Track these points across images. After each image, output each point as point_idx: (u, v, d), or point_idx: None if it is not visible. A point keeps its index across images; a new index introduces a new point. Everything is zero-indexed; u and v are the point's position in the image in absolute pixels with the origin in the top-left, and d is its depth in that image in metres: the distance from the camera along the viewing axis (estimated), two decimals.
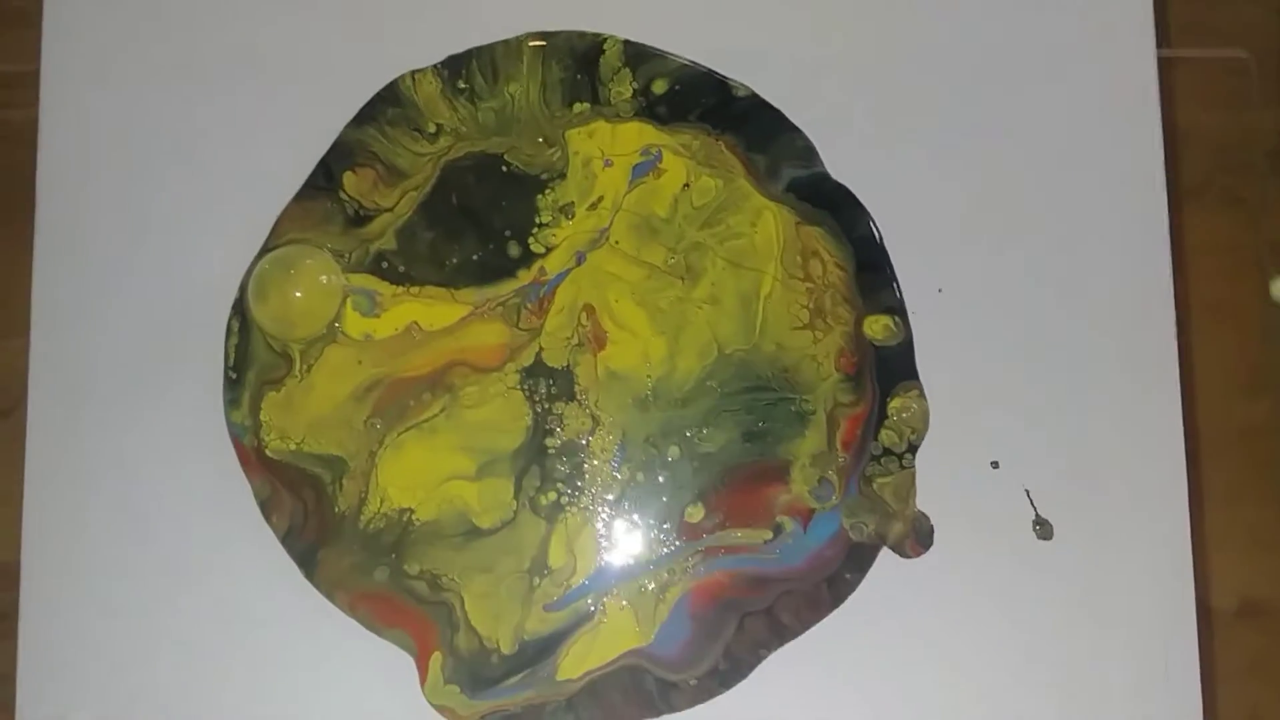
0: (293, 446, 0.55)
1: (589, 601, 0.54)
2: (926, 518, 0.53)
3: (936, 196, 0.55)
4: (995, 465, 0.53)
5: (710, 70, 0.57)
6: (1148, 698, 0.51)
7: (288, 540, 0.55)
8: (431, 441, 0.56)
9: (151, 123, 0.57)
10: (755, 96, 0.57)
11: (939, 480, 0.53)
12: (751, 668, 0.54)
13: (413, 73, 0.58)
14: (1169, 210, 0.55)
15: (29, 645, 0.53)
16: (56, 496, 0.54)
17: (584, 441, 0.56)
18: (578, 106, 0.58)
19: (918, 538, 0.53)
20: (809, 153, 0.57)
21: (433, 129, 0.58)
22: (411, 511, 0.55)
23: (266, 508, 0.55)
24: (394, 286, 0.57)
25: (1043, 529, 0.52)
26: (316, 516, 0.55)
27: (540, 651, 0.54)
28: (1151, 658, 0.51)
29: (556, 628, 0.54)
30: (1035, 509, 0.52)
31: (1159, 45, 0.57)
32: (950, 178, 0.55)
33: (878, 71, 0.56)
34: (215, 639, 0.54)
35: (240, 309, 0.56)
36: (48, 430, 0.54)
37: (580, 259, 0.57)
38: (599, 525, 0.55)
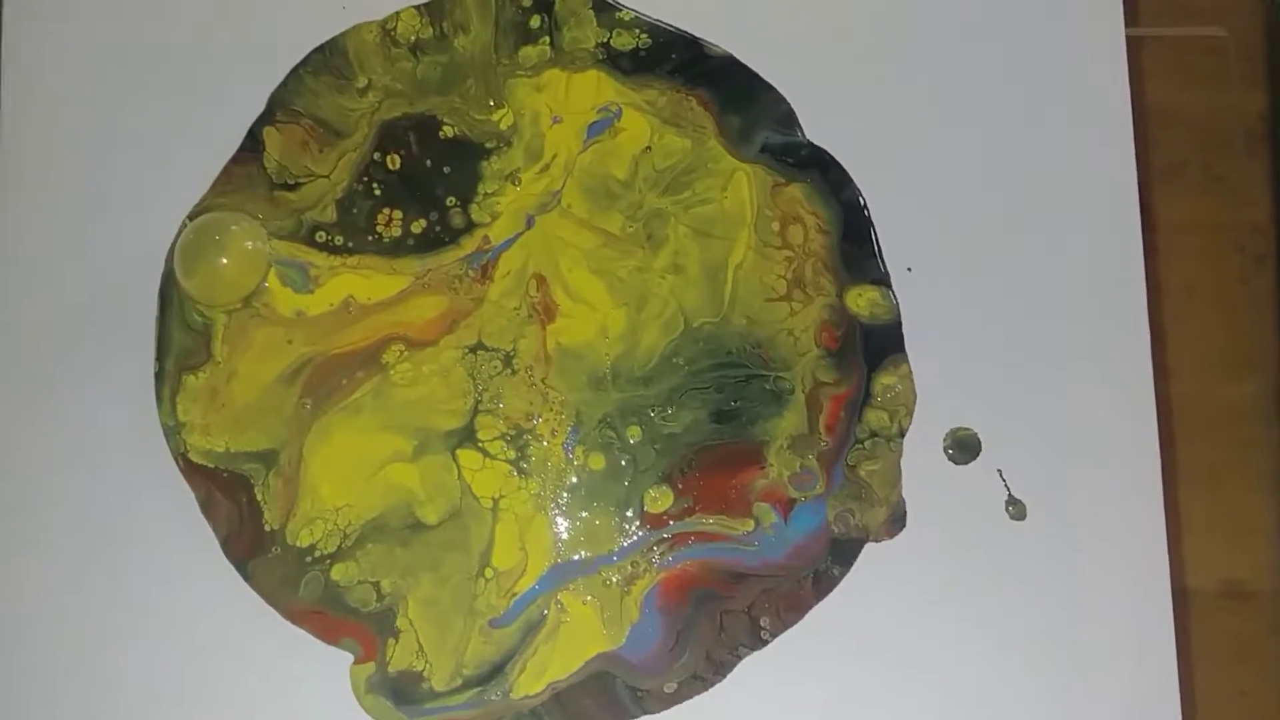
0: (220, 448, 0.51)
1: (540, 607, 0.50)
2: (903, 500, 0.51)
3: (905, 177, 0.53)
4: (954, 454, 0.51)
5: (682, 32, 0.54)
6: (1124, 679, 0.50)
7: (226, 547, 0.50)
8: (360, 422, 0.51)
9: (93, 99, 0.54)
10: (732, 57, 0.53)
11: (908, 461, 0.51)
12: (731, 668, 0.50)
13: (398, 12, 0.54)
14: (1146, 190, 0.53)
15: None
16: (17, 500, 0.51)
17: (533, 423, 0.51)
18: (531, 50, 0.54)
19: (892, 521, 0.50)
20: (789, 118, 0.53)
21: (362, 83, 0.53)
22: (349, 509, 0.50)
23: (205, 510, 0.51)
24: (330, 258, 0.52)
25: (1016, 509, 0.50)
26: (251, 525, 0.50)
27: (489, 672, 0.49)
28: (1128, 639, 0.50)
29: (505, 647, 0.49)
30: (1008, 489, 0.51)
31: (1133, 23, 0.56)
32: (919, 158, 0.53)
33: (842, 47, 0.54)
34: (160, 649, 0.51)
35: (163, 289, 0.52)
36: (9, 436, 0.52)
37: (530, 222, 0.53)
38: (552, 513, 0.50)
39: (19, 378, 0.52)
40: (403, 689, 0.49)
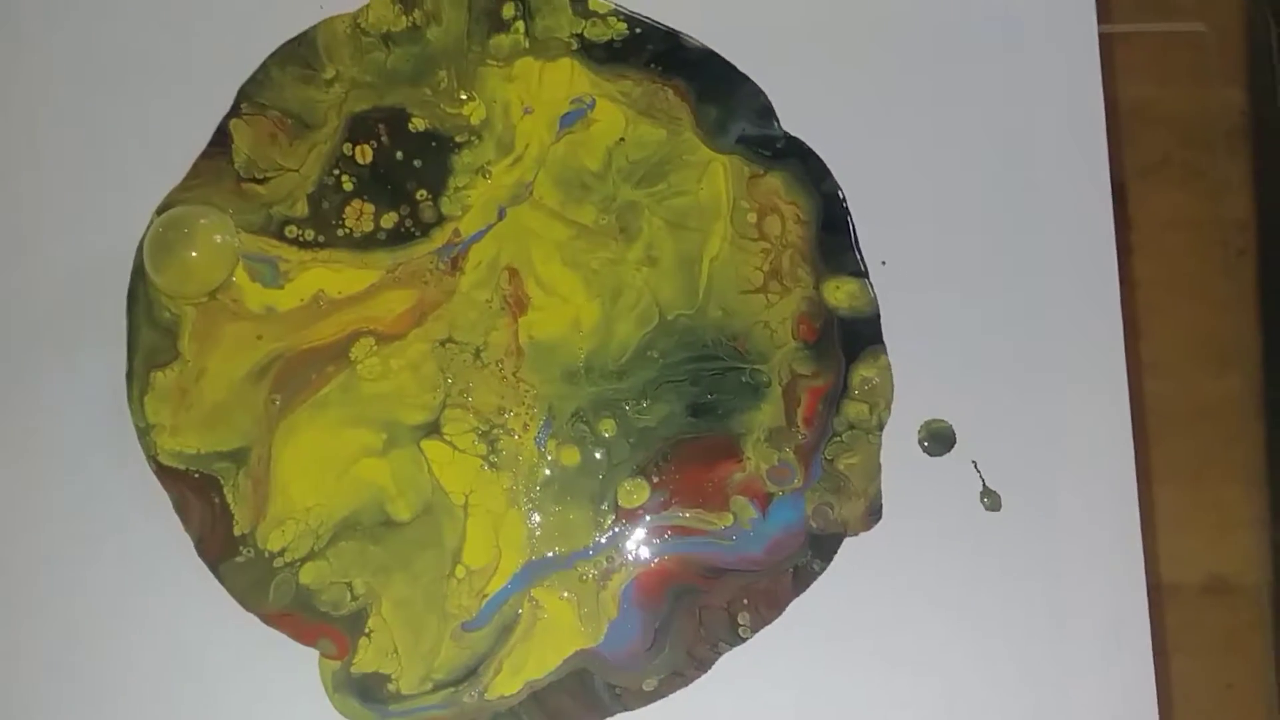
0: (190, 449, 0.49)
1: (514, 606, 0.48)
2: (880, 493, 0.50)
3: (879, 171, 0.53)
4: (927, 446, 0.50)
5: (660, 24, 0.53)
6: (1101, 671, 0.49)
7: (199, 548, 0.49)
8: (329, 418, 0.50)
9: (96, 117, 0.54)
10: (709, 50, 0.52)
11: (883, 453, 0.51)
12: (710, 664, 0.49)
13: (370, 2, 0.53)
14: (1127, 186, 0.53)
15: None
16: (4, 501, 0.51)
17: (504, 417, 0.50)
18: (503, 38, 0.53)
19: (869, 514, 0.50)
20: (766, 111, 0.52)
21: (330, 74, 0.52)
22: (320, 508, 0.49)
23: (179, 511, 0.50)
24: (300, 252, 0.51)
25: (991, 500, 0.50)
26: (222, 527, 0.49)
27: (463, 674, 0.48)
28: (1104, 631, 0.49)
29: (479, 650, 0.48)
30: (983, 480, 0.50)
31: (1108, 19, 0.56)
32: (893, 153, 0.53)
33: (815, 42, 0.54)
34: (137, 649, 0.50)
35: (132, 286, 0.51)
36: None
37: (501, 214, 0.52)
38: (526, 508, 0.49)
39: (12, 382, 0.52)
40: (368, 689, 0.48)
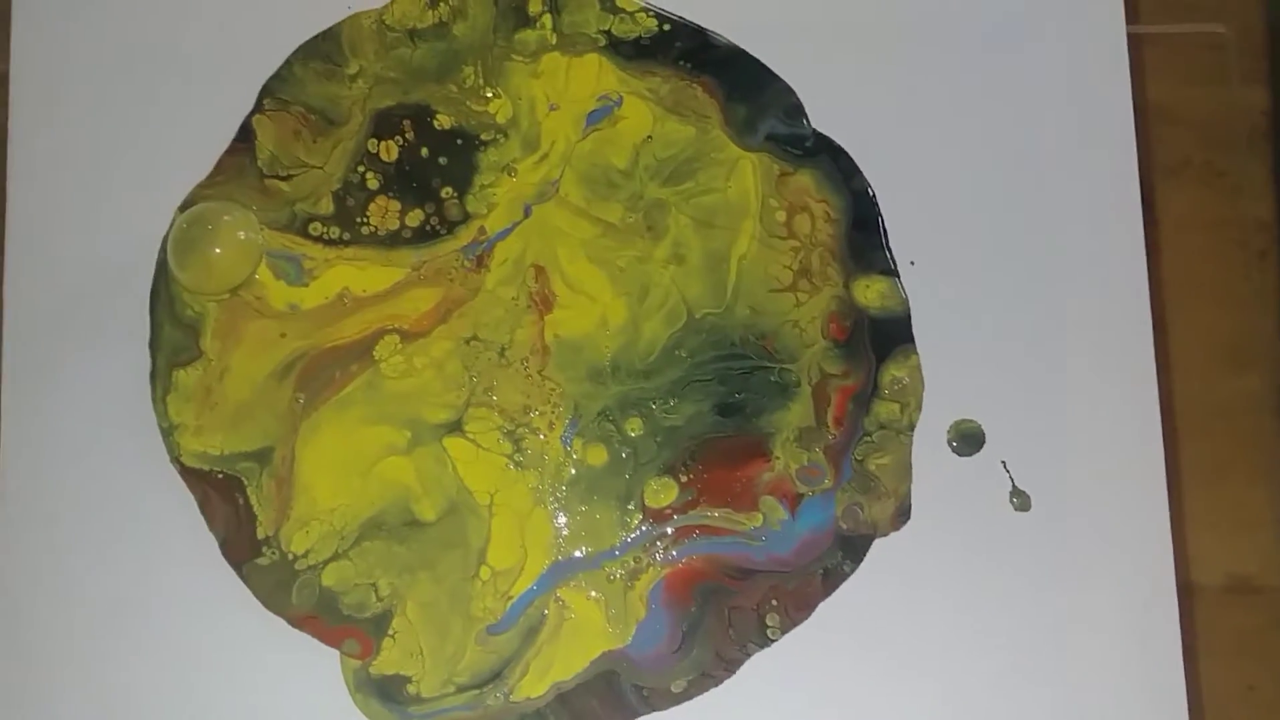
0: (214, 450, 0.49)
1: (540, 608, 0.48)
2: (910, 493, 0.50)
3: (908, 172, 0.52)
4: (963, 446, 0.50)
5: (689, 22, 0.52)
6: (1131, 673, 0.49)
7: (224, 549, 0.49)
8: (353, 416, 0.49)
9: (121, 114, 0.53)
10: (737, 47, 0.52)
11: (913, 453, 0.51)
12: (739, 665, 0.48)
13: None
14: (1149, 187, 0.53)
15: (3, 648, 0.50)
16: (31, 500, 0.50)
17: (529, 416, 0.50)
18: (530, 33, 0.52)
19: (898, 514, 0.49)
20: (796, 111, 0.52)
21: (353, 69, 0.52)
22: (345, 509, 0.49)
23: (204, 511, 0.49)
24: (325, 250, 0.51)
25: (1020, 501, 0.50)
26: (247, 529, 0.49)
27: (487, 677, 0.48)
28: (1134, 632, 0.49)
29: (504, 653, 0.48)
30: (1013, 480, 0.50)
31: (1134, 20, 0.55)
32: (923, 154, 0.53)
33: (845, 43, 0.53)
34: (162, 648, 0.49)
35: (155, 284, 0.51)
36: (23, 434, 0.51)
37: (527, 211, 0.51)
38: (551, 507, 0.49)
39: (24, 374, 0.51)
40: (388, 691, 0.48)
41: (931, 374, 0.51)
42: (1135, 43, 0.55)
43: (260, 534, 0.49)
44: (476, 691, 0.48)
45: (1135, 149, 0.53)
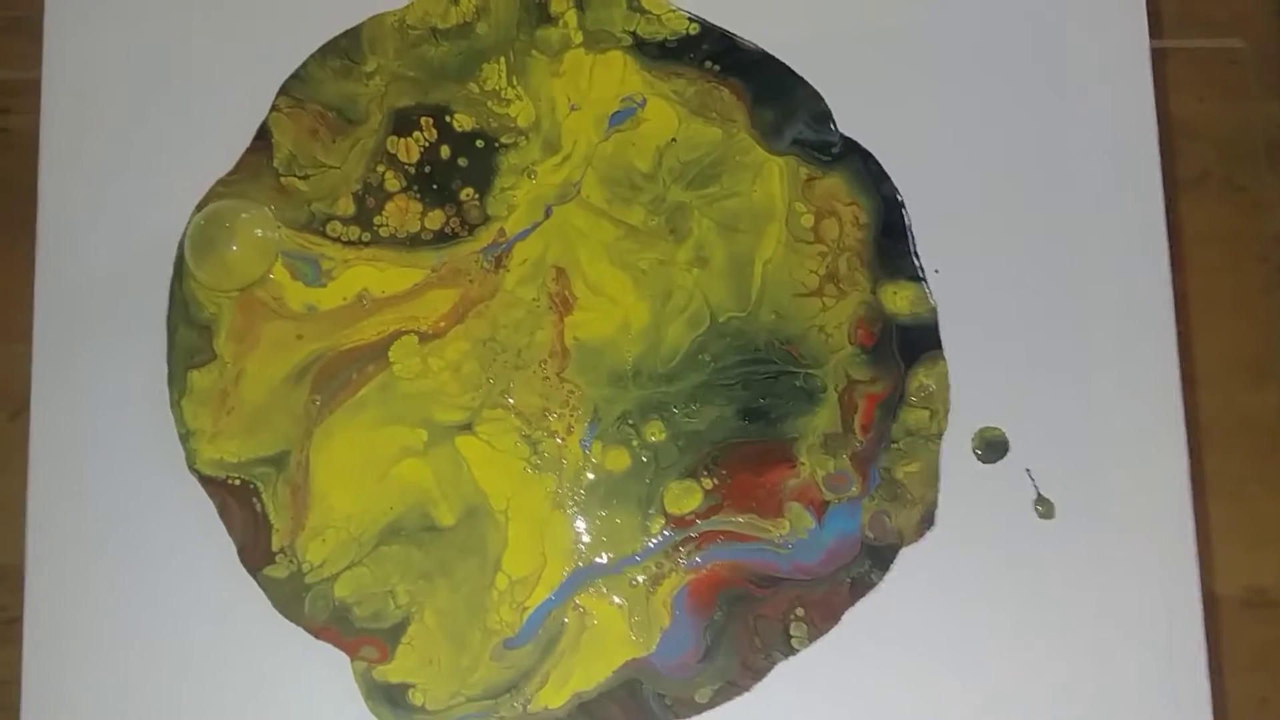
0: (231, 457, 0.48)
1: (558, 618, 0.47)
2: (935, 501, 0.49)
3: (933, 182, 0.52)
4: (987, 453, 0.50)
5: (714, 25, 0.52)
6: (1154, 686, 0.48)
7: (241, 555, 0.48)
8: (367, 419, 0.48)
9: (154, 124, 0.53)
10: (765, 52, 0.51)
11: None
12: (764, 674, 0.47)
13: None
14: (1169, 201, 0.52)
15: (33, 648, 0.50)
16: (60, 500, 0.51)
17: (547, 419, 0.49)
18: (552, 30, 0.52)
19: (922, 521, 0.48)
20: (824, 116, 0.51)
21: (370, 67, 0.51)
22: (362, 515, 0.48)
23: (222, 517, 0.48)
24: (344, 250, 0.50)
25: (1044, 508, 0.49)
26: (263, 538, 0.48)
27: (502, 689, 0.47)
28: (1158, 641, 0.49)
29: (522, 667, 0.47)
30: (1037, 488, 0.49)
31: (1156, 36, 0.55)
32: (949, 166, 0.52)
33: (872, 54, 0.53)
34: (216, 641, 0.49)
35: (172, 287, 0.50)
36: (51, 434, 0.51)
37: (548, 212, 0.50)
38: (570, 512, 0.48)
39: (52, 372, 0.51)
40: (395, 698, 0.47)
41: (956, 381, 0.50)
42: (1156, 57, 0.55)
43: (275, 544, 0.48)
44: (491, 702, 0.47)
45: (1159, 162, 0.53)
